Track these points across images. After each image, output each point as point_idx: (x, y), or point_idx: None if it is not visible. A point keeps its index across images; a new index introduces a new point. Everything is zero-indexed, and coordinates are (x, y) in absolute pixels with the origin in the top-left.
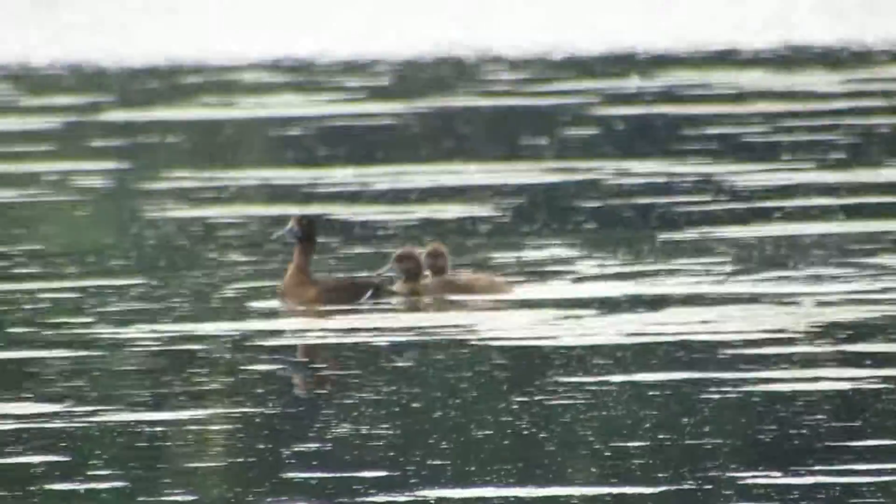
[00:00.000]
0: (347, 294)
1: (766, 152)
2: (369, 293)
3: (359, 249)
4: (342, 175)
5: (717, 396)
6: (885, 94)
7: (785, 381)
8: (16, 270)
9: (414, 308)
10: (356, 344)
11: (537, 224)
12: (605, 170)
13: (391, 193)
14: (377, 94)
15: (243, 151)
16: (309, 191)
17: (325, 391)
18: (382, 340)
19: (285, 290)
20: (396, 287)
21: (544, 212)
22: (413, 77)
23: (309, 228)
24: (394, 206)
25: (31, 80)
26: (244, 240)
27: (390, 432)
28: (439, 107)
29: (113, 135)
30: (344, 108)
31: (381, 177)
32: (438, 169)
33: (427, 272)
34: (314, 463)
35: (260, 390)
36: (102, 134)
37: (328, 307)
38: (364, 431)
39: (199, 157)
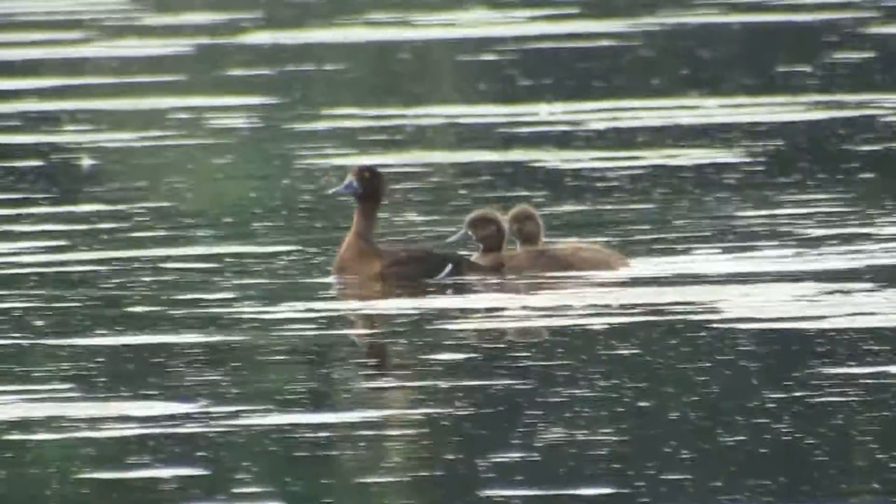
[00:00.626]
0: (422, 268)
1: None
2: (449, 268)
3: (569, 206)
4: (548, 112)
5: None
6: None
7: None
8: (136, 234)
9: (506, 286)
10: (561, 328)
11: (797, 174)
12: (884, 104)
13: (610, 136)
14: (592, 8)
15: (423, 83)
16: (506, 132)
17: (528, 386)
18: (597, 322)
19: (342, 263)
20: (477, 259)
21: (806, 158)
22: None
23: (373, 183)
24: (613, 151)
25: None
26: (425, 194)
27: (613, 438)
28: (672, 25)
29: (258, 62)
30: (550, 27)
31: (598, 114)
32: (671, 104)
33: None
34: (518, 477)
35: (444, 384)
36: (244, 61)
37: (399, 283)
38: (580, 437)
39: (367, 90)
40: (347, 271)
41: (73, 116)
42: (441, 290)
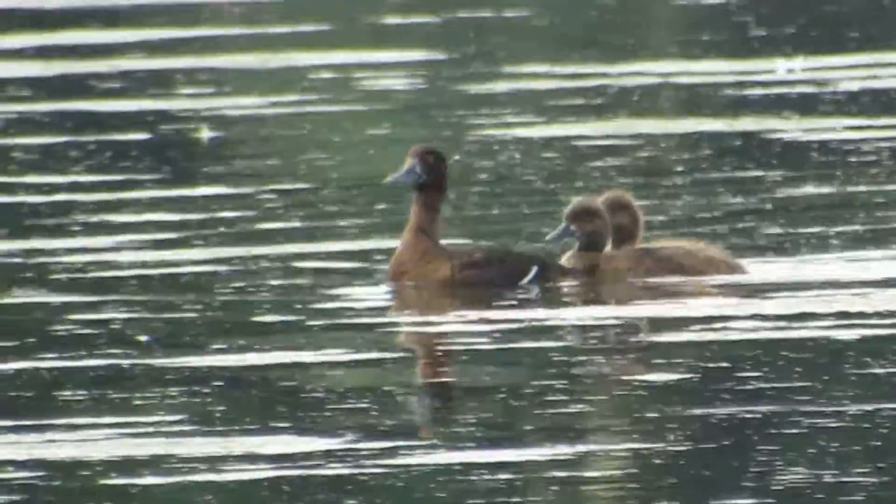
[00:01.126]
0: (503, 271)
1: None
2: (534, 271)
3: (811, 188)
4: (787, 69)
5: None
6: None
7: None
8: (265, 225)
9: (613, 294)
10: (798, 340)
11: None
12: None
13: (865, 99)
14: None
15: (629, 33)
16: (734, 94)
17: (759, 414)
18: (842, 334)
19: (401, 267)
20: (568, 260)
21: None
22: None
23: (438, 168)
24: (869, 118)
25: None
26: (631, 174)
27: (871, 480)
28: None
29: (420, 7)
30: None
31: (850, 72)
32: None
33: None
34: None
35: (652, 412)
36: (403, 5)
37: (472, 291)
38: (827, 478)
39: (559, 41)
40: (408, 276)
41: (189, 76)
42: (574, 297)
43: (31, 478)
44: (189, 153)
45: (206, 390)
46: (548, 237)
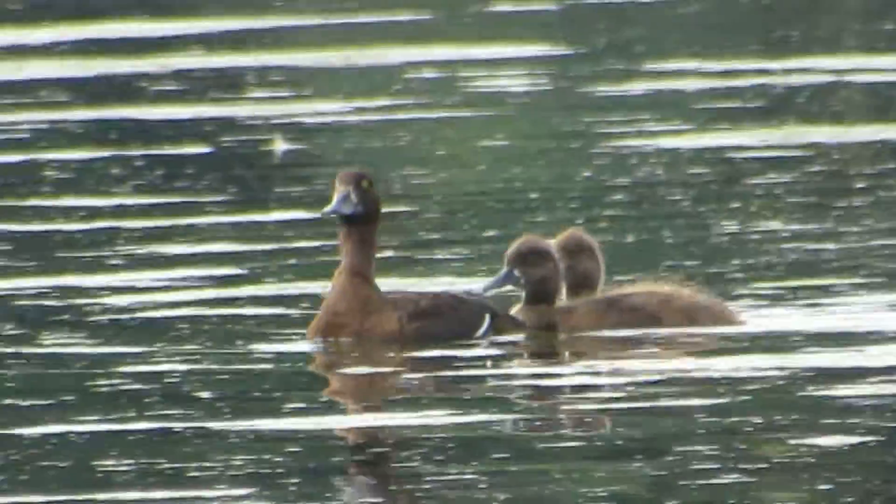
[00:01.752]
0: (453, 322)
1: None
2: (486, 322)
3: None
4: None
5: None
6: None
7: None
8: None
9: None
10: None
11: None
12: None
13: None
14: None
15: (799, 22)
16: None
17: None
18: None
19: (335, 318)
20: (520, 312)
21: None
22: None
23: (372, 196)
24: None
25: None
26: (805, 191)
27: None
28: None
29: None
30: None
31: None
32: None
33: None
34: None
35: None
36: None
37: (423, 343)
38: None
39: (714, 31)
40: (345, 328)
41: (260, 76)
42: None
43: None
44: (260, 170)
45: (278, 459)
46: (483, 285)
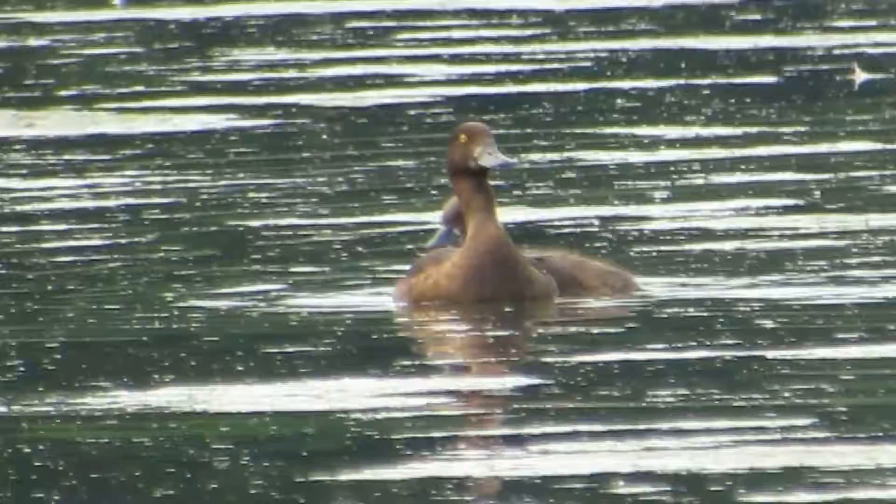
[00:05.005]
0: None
1: None
2: None
3: None
4: None
5: None
6: None
7: None
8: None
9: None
10: None
11: None
12: None
13: None
14: None
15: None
16: None
17: None
18: None
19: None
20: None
21: None
22: None
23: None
24: None
25: None
26: None
27: None
28: None
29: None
30: None
31: None
32: None
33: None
34: None
35: None
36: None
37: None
38: None
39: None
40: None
41: (843, 4)
42: None
43: None
44: (833, 101)
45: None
46: (426, 244)
